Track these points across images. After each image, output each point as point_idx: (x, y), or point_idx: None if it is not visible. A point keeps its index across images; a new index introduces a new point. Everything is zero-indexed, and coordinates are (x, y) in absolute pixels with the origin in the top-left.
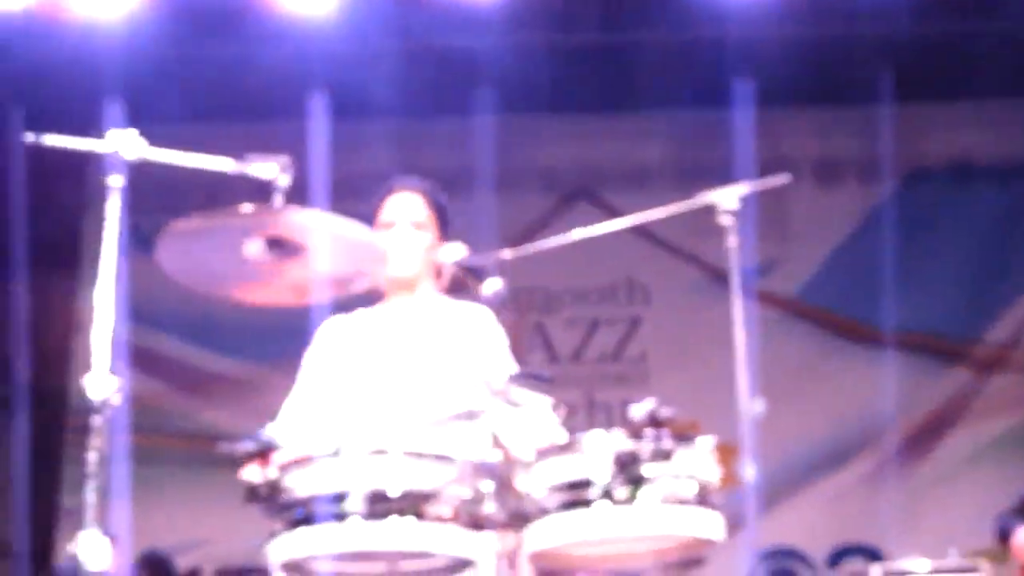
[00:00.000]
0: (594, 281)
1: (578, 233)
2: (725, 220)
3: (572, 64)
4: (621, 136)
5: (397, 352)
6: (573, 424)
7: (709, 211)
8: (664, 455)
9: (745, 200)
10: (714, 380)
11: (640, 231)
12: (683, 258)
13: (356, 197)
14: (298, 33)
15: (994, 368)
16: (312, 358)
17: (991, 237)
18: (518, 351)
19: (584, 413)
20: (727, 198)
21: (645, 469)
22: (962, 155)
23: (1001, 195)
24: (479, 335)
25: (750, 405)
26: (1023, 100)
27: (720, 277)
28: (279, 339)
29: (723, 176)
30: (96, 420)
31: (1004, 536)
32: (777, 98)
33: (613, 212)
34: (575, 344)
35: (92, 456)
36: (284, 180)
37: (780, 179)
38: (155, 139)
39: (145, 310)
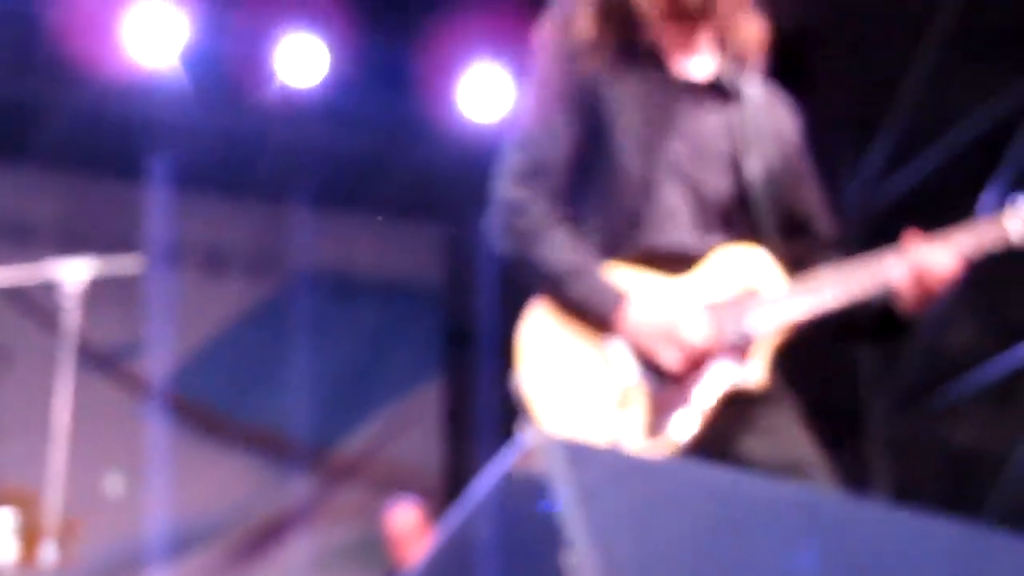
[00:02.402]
0: None
1: None
2: (62, 295)
3: None
4: (10, 189)
5: None
6: None
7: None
8: None
9: (109, 278)
10: (65, 453)
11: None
12: (48, 326)
13: None
14: None
15: (343, 478)
16: None
17: (361, 351)
18: None
19: None
20: (68, 273)
21: None
22: (347, 267)
23: (377, 311)
24: None
25: (105, 483)
26: (417, 222)
27: (86, 351)
28: None
29: (109, 247)
30: None
31: None
32: (182, 180)
33: None
34: None
35: None
36: None
37: (129, 262)
38: None
39: None
